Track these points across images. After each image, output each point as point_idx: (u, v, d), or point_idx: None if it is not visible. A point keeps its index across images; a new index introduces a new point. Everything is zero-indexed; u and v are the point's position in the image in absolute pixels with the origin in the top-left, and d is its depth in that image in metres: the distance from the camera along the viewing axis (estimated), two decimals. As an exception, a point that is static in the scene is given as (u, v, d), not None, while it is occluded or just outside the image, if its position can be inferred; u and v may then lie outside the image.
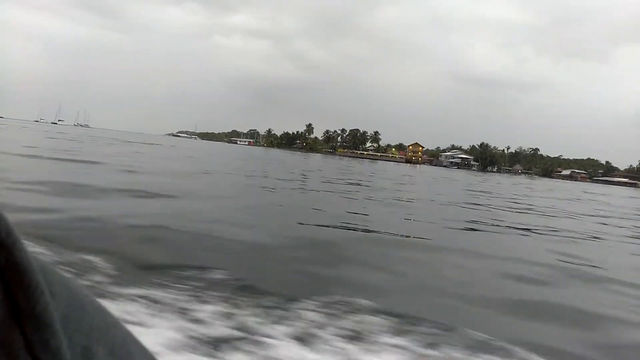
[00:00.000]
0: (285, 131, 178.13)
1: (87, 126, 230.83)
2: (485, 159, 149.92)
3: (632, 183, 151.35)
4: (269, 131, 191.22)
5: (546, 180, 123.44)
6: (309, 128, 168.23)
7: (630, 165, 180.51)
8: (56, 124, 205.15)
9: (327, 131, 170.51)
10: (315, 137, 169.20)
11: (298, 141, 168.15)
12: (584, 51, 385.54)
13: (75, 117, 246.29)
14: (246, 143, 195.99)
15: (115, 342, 0.29)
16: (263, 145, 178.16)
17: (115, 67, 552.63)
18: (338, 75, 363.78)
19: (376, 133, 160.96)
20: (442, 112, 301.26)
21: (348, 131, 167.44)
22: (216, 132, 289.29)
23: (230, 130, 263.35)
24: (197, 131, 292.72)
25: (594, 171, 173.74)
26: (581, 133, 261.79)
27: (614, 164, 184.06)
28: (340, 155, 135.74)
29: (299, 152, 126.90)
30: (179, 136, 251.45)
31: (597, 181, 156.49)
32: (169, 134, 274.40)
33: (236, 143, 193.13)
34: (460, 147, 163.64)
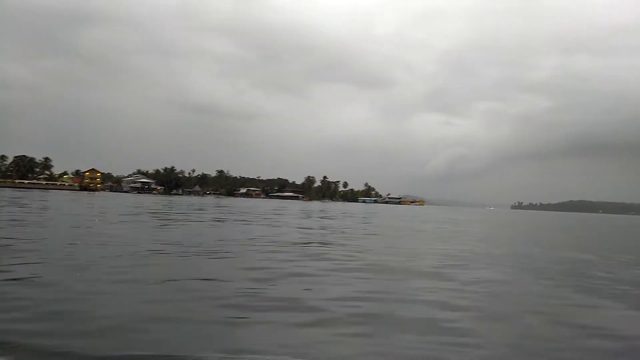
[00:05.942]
0: None
1: None
2: (170, 182, 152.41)
3: (296, 196, 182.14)
4: None
5: (230, 198, 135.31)
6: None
7: (302, 182, 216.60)
8: None
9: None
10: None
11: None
12: (289, 86, 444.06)
13: None
14: None
15: None
16: None
17: None
18: (38, 97, 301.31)
19: (46, 159, 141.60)
20: (144, 136, 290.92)
21: (12, 158, 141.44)
22: None
23: None
24: None
25: (271, 188, 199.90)
26: (281, 156, 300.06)
27: (298, 182, 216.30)
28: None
29: None
30: None
31: (272, 196, 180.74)
32: None
33: None
34: (147, 171, 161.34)
